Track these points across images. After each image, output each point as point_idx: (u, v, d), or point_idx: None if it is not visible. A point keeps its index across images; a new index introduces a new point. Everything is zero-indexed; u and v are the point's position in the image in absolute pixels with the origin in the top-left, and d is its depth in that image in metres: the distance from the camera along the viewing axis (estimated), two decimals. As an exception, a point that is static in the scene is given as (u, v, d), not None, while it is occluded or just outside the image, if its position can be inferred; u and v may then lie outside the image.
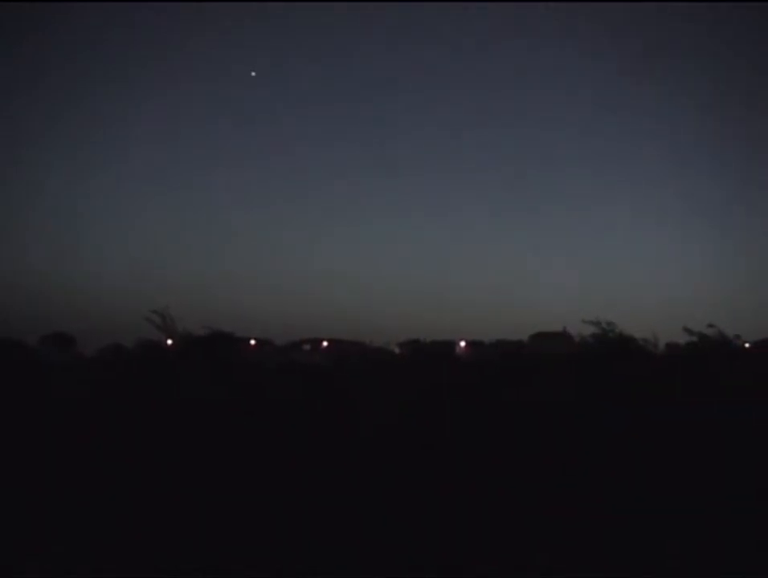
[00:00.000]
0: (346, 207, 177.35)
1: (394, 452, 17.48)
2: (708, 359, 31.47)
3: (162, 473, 14.68)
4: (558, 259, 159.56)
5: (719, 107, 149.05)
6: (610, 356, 30.99)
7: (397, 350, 73.56)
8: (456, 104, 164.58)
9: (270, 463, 15.87)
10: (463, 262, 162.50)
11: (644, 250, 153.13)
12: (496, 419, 22.71)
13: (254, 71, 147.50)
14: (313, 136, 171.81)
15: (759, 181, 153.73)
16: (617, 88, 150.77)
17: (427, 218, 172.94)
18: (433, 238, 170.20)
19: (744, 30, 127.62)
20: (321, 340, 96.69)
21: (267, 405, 25.80)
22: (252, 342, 75.27)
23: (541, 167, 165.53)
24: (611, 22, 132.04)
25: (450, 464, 16.02)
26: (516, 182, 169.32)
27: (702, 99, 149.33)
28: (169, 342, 35.37)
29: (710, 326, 33.34)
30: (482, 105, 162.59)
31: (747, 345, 44.39)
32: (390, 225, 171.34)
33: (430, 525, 10.62)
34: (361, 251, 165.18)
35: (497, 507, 11.77)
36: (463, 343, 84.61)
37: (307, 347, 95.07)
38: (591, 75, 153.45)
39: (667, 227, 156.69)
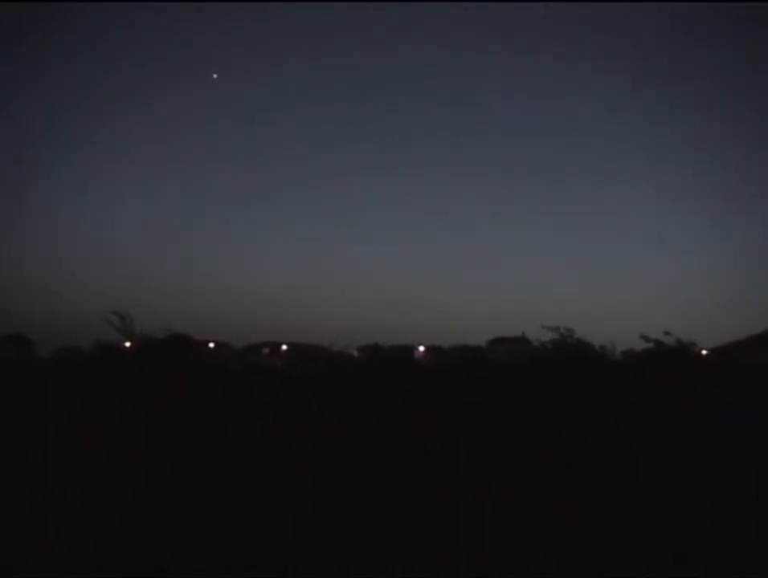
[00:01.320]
0: (306, 210, 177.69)
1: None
2: (665, 365, 31.91)
3: (138, 474, 14.61)
4: (517, 264, 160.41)
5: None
6: (570, 362, 31.33)
7: (356, 354, 73.37)
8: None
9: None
10: (419, 267, 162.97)
11: (608, 258, 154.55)
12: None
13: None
14: (267, 146, 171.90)
15: (721, 194, 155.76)
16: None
17: (386, 223, 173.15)
18: (390, 243, 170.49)
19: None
20: (280, 343, 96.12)
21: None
22: (211, 344, 74.82)
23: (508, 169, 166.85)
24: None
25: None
26: (473, 185, 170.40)
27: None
28: (128, 344, 35.23)
29: (666, 333, 33.81)
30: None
31: (704, 352, 45.06)
32: (349, 229, 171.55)
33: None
34: (320, 253, 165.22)
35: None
36: (422, 348, 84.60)
37: (266, 350, 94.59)
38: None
39: (634, 238, 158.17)
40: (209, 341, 74.81)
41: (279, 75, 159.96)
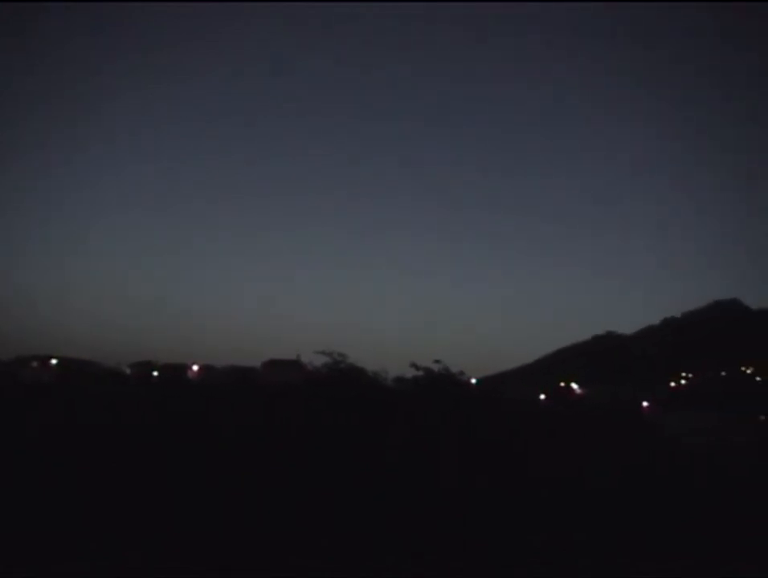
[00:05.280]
0: (84, 225, 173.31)
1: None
2: (432, 391, 32.97)
3: None
4: (297, 289, 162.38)
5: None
6: (338, 384, 31.83)
7: (128, 371, 72.00)
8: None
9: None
10: (198, 286, 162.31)
11: (382, 290, 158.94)
12: None
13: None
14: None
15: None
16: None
17: (160, 239, 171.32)
18: (163, 259, 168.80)
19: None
20: (50, 358, 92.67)
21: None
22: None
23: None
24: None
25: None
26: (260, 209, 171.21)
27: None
28: None
29: (436, 361, 34.86)
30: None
31: (473, 381, 46.93)
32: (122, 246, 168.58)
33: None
34: (89, 269, 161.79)
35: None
36: (195, 367, 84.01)
37: (35, 364, 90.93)
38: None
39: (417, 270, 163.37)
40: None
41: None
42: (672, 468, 24.58)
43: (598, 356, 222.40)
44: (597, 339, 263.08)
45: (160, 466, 18.30)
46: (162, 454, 20.17)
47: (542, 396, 78.61)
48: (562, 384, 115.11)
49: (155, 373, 66.28)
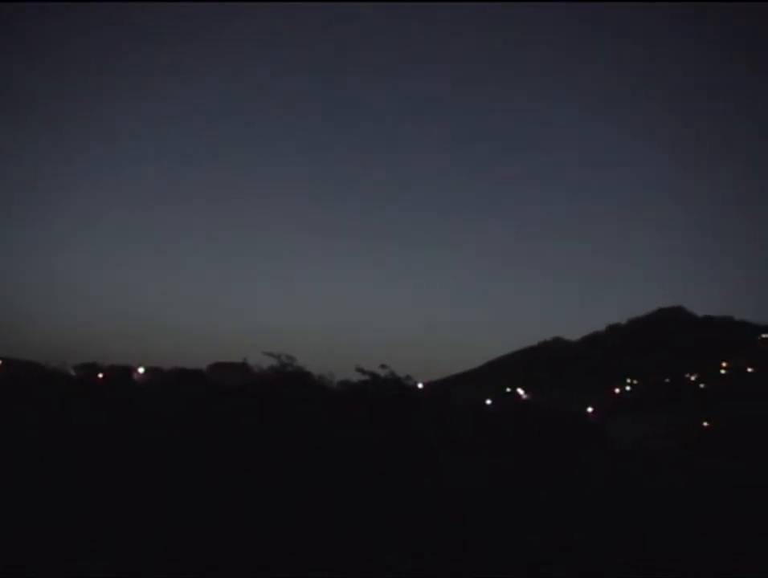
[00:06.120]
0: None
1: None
2: (378, 395, 33.13)
3: None
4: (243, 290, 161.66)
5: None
6: (287, 387, 31.78)
7: (73, 372, 70.96)
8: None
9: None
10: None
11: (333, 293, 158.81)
12: None
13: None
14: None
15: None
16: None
17: (102, 241, 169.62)
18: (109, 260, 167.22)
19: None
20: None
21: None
22: None
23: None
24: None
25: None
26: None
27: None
28: None
29: (383, 366, 35.10)
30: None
31: (420, 385, 47.31)
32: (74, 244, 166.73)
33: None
34: (36, 266, 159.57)
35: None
36: (141, 370, 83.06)
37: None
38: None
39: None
40: None
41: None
42: (621, 473, 24.98)
43: (545, 361, 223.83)
44: (543, 344, 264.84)
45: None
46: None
47: (488, 401, 79.02)
48: (509, 389, 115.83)
49: (100, 375, 65.52)
